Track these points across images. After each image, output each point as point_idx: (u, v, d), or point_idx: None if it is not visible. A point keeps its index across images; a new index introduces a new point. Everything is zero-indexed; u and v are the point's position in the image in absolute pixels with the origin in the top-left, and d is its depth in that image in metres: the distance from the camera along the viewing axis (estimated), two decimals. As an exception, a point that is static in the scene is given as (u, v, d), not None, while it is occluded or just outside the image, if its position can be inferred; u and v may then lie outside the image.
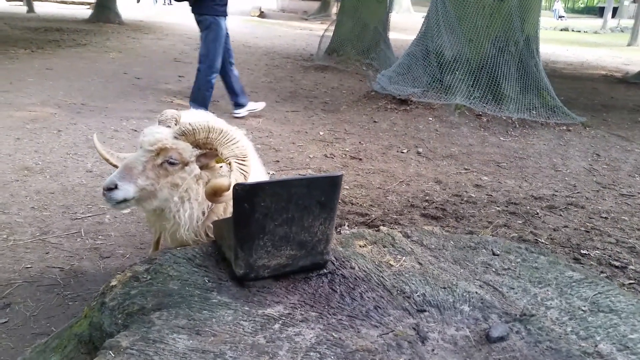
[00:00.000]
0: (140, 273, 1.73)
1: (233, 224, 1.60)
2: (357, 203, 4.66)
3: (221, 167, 2.08)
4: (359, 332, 1.47)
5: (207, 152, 2.02)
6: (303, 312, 1.55)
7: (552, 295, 1.82)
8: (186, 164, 1.98)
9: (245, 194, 1.55)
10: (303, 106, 8.42)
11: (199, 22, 6.76)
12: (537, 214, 4.76)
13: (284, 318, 1.51)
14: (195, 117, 2.53)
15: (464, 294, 1.72)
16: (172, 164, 1.93)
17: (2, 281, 3.02)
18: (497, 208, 4.85)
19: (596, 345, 1.55)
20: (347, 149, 6.35)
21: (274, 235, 1.64)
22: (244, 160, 1.96)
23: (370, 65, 12.07)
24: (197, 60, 7.10)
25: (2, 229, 3.66)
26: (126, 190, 1.87)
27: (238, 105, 7.19)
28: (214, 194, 1.83)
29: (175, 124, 2.03)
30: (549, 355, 1.45)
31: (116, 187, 1.86)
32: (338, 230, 4.00)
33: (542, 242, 4.17)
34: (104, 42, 13.44)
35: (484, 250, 2.11)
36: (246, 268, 1.64)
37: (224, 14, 6.72)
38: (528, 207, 4.89)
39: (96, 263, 3.32)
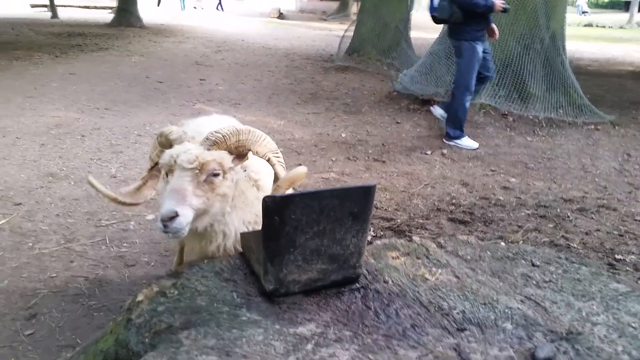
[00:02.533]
0: (167, 288, 1.67)
1: (262, 238, 1.54)
2: (382, 207, 4.56)
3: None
4: (396, 353, 1.39)
5: (238, 154, 1.96)
6: (336, 331, 1.47)
7: (598, 310, 1.71)
8: (226, 172, 1.91)
9: (275, 206, 1.48)
10: (324, 108, 8.35)
11: (455, 48, 6.54)
12: (568, 217, 4.61)
13: (316, 337, 1.44)
14: (201, 124, 2.47)
15: (506, 311, 1.62)
16: (215, 175, 1.85)
17: (28, 291, 3.02)
18: (527, 211, 4.71)
19: (651, 367, 1.44)
20: (369, 151, 6.26)
21: (305, 249, 1.57)
22: (278, 154, 1.96)
23: (391, 65, 11.94)
24: (453, 84, 6.84)
25: (28, 237, 3.67)
26: (186, 215, 1.76)
27: (448, 136, 6.73)
28: (290, 184, 1.83)
29: (185, 138, 1.94)
30: (602, 379, 1.35)
31: (177, 214, 1.72)
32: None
33: (575, 247, 4.03)
34: (126, 46, 13.57)
35: (522, 261, 2.01)
36: (276, 283, 1.58)
37: (481, 39, 6.46)
38: (558, 210, 4.75)
39: (121, 271, 3.30)
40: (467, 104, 6.65)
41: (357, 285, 1.69)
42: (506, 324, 1.57)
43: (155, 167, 2.00)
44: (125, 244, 3.67)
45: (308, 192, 1.53)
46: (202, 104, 8.01)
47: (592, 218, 4.62)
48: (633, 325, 1.64)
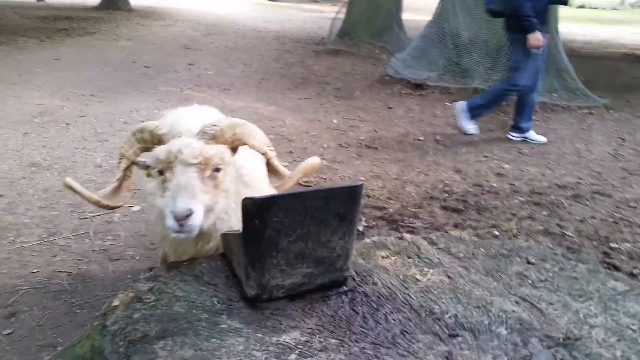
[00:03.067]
0: (143, 293, 1.58)
1: (243, 241, 1.45)
2: (374, 196, 4.48)
3: None
4: (385, 363, 1.32)
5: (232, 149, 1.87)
6: (322, 339, 1.39)
7: (596, 311, 1.64)
8: (225, 167, 1.81)
9: (255, 209, 1.39)
10: (315, 93, 8.21)
11: (515, 41, 6.22)
12: (562, 204, 4.56)
13: (300, 347, 1.36)
14: (181, 116, 2.34)
15: (500, 314, 1.55)
16: (218, 170, 1.75)
17: (8, 288, 2.92)
18: (521, 198, 4.65)
19: (651, 373, 1.38)
20: (361, 138, 6.16)
21: (288, 253, 1.48)
22: (272, 147, 1.91)
23: (383, 49, 11.77)
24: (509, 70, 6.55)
25: (9, 231, 3.56)
26: (200, 212, 1.65)
27: (518, 129, 6.42)
28: (304, 176, 1.81)
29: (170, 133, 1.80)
30: (601, 389, 1.28)
31: (192, 212, 1.60)
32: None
33: (569, 235, 3.98)
34: (113, 30, 13.28)
35: (517, 258, 1.94)
36: (258, 289, 1.49)
37: (541, 30, 6.15)
38: (552, 197, 4.69)
39: (105, 266, 3.21)
40: (508, 97, 6.44)
41: (345, 288, 1.60)
42: (500, 328, 1.49)
43: (130, 166, 1.87)
44: (109, 237, 3.57)
45: (291, 194, 1.44)
46: (190, 89, 7.85)
47: (587, 205, 4.57)
48: (632, 327, 1.57)
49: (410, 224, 3.98)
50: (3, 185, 4.27)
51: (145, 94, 7.41)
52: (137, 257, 3.32)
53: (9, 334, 2.58)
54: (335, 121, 6.76)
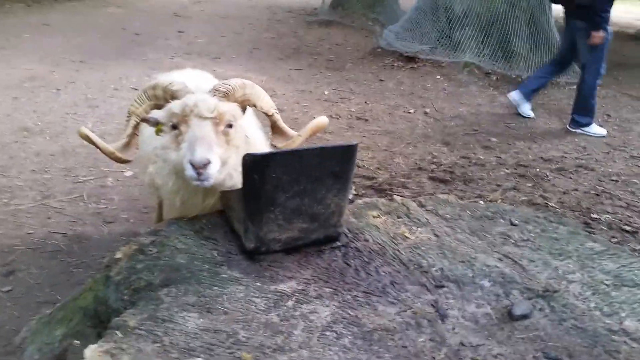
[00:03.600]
0: (145, 246, 1.66)
1: (242, 196, 1.52)
2: (364, 166, 4.56)
3: None
4: (376, 309, 1.41)
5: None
6: (317, 288, 1.48)
7: (574, 268, 1.75)
8: (234, 125, 1.85)
9: (255, 164, 1.46)
10: (307, 64, 8.20)
11: (579, 30, 5.86)
12: (547, 176, 4.67)
13: (297, 295, 1.45)
14: (188, 77, 2.37)
15: (484, 268, 1.65)
16: (231, 126, 1.79)
17: (5, 247, 2.97)
18: (506, 171, 4.76)
19: (621, 322, 1.49)
20: (352, 109, 6.20)
21: (285, 208, 1.56)
22: (277, 110, 1.97)
23: (376, 20, 11.70)
24: (581, 69, 6.38)
25: (2, 193, 3.59)
26: (217, 162, 1.68)
27: (577, 123, 6.09)
28: (312, 135, 1.88)
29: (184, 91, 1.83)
30: (574, 334, 1.39)
31: (209, 161, 1.64)
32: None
33: (552, 206, 4.10)
34: (102, -5, 13.03)
35: (501, 220, 2.03)
36: (257, 242, 1.57)
37: (607, 21, 5.78)
38: (537, 170, 4.80)
39: (100, 228, 3.27)
40: (597, 86, 6.15)
41: (338, 243, 1.69)
42: (484, 281, 1.59)
43: (139, 124, 1.91)
44: (103, 201, 3.62)
45: (288, 151, 1.51)
46: (180, 57, 7.80)
47: (570, 178, 4.69)
48: (606, 282, 1.68)
49: (398, 193, 4.06)
50: (-5, 149, 4.28)
51: (136, 61, 7.35)
52: (132, 220, 3.38)
53: (8, 291, 2.65)
54: (326, 92, 6.79)
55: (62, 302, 2.05)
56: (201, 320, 1.33)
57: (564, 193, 4.34)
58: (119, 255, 1.68)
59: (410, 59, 8.34)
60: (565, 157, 5.16)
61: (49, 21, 9.55)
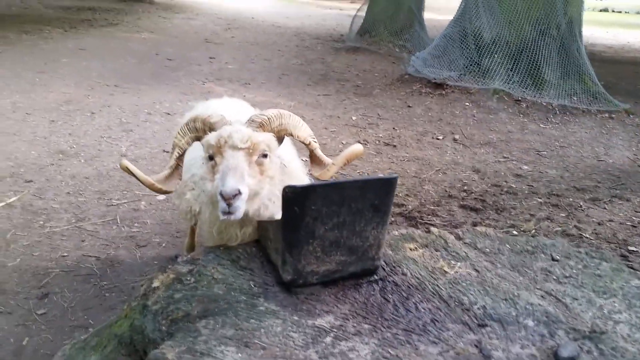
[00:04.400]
0: (183, 275, 1.65)
1: (282, 228, 1.51)
2: (394, 193, 4.53)
3: None
4: (417, 349, 1.37)
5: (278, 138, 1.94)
6: (355, 324, 1.45)
7: (620, 308, 1.68)
8: (272, 154, 1.89)
9: (295, 196, 1.45)
10: (335, 89, 8.26)
11: None
12: (581, 206, 4.56)
13: (335, 330, 1.42)
14: (225, 106, 2.42)
15: (527, 307, 1.60)
16: (265, 156, 1.82)
17: (40, 270, 3.02)
18: (539, 199, 4.67)
19: (674, 368, 1.42)
20: (380, 135, 6.20)
21: (324, 240, 1.54)
22: (315, 138, 1.98)
23: (403, 47, 11.78)
24: None
25: (39, 215, 3.67)
26: (246, 193, 1.70)
27: None
28: (347, 163, 1.88)
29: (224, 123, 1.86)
30: (626, 381, 1.33)
31: (239, 192, 1.66)
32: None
33: (587, 237, 3.99)
34: (136, 22, 13.44)
35: (542, 254, 1.98)
36: (294, 274, 1.55)
37: None
38: (571, 199, 4.70)
39: (132, 252, 3.30)
40: None
41: (376, 277, 1.66)
42: (528, 320, 1.54)
43: (182, 155, 1.95)
44: (136, 224, 3.66)
45: (329, 183, 1.50)
46: (211, 83, 7.94)
47: (605, 208, 4.57)
48: (656, 324, 1.61)
49: (428, 221, 4.02)
50: (32, 171, 4.38)
51: (169, 86, 7.52)
52: (164, 244, 3.41)
53: (43, 313, 2.67)
54: (354, 118, 6.81)
55: (97, 328, 2.06)
56: (239, 355, 1.31)
57: (599, 224, 4.23)
58: (156, 283, 1.68)
59: (439, 86, 8.34)
60: (599, 187, 5.04)
61: (85, 46, 9.87)
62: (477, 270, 1.77)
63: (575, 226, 4.17)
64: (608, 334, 1.50)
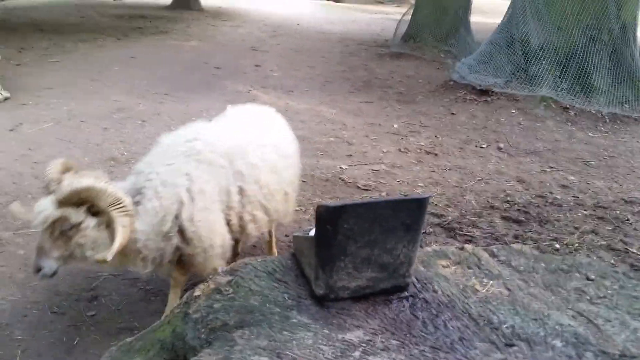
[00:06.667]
0: (223, 285, 1.75)
1: (315, 245, 1.58)
2: (432, 203, 4.53)
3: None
4: (443, 366, 1.41)
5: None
6: (384, 340, 1.50)
7: (656, 332, 1.66)
8: (80, 223, 2.17)
9: (328, 215, 1.52)
10: (377, 96, 8.29)
11: None
12: (628, 219, 4.43)
13: (364, 345, 1.48)
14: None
15: (556, 327, 1.60)
16: (68, 228, 2.15)
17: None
18: (585, 212, 4.56)
19: None
20: (422, 143, 6.19)
21: (355, 257, 1.60)
22: (120, 203, 2.19)
23: (449, 53, 11.65)
24: None
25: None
26: (49, 265, 2.19)
27: None
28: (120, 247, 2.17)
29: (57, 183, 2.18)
30: (655, 407, 1.32)
31: (40, 268, 2.18)
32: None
33: (634, 252, 3.89)
34: (185, 30, 13.85)
35: (577, 274, 1.97)
36: (326, 289, 1.62)
37: None
38: (618, 212, 4.57)
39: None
40: None
41: (406, 293, 1.71)
42: (556, 341, 1.55)
43: None
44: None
45: (362, 203, 1.56)
46: (257, 90, 8.12)
47: (654, 222, 4.42)
48: (692, 350, 1.58)
49: (468, 233, 4.00)
50: (86, 176, 4.62)
51: (216, 94, 7.74)
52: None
53: (92, 315, 2.84)
54: (395, 126, 6.82)
55: (142, 333, 2.18)
56: (272, 365, 1.39)
57: (647, 239, 4.10)
58: (197, 292, 1.78)
59: (484, 92, 8.22)
60: (649, 200, 4.88)
61: (136, 54, 10.27)
62: (509, 289, 1.79)
63: (621, 240, 4.07)
64: (639, 358, 1.49)
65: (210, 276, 1.87)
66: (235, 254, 3.29)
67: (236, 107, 3.19)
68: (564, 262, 2.04)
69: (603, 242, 4.03)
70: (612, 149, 6.31)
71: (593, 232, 4.20)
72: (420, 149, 6.00)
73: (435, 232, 4.00)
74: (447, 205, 4.54)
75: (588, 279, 1.95)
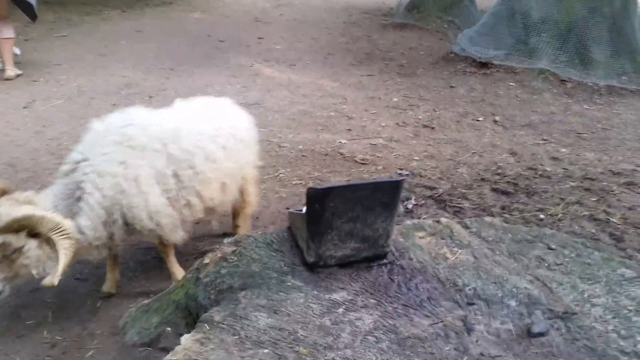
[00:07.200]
0: (228, 254, 2.04)
1: (306, 220, 1.85)
2: (426, 175, 4.77)
3: None
4: (412, 320, 1.70)
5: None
6: (364, 299, 1.79)
7: (600, 293, 1.93)
8: (21, 247, 2.29)
9: (316, 195, 1.79)
10: (378, 69, 8.44)
11: None
12: (613, 191, 4.64)
13: (347, 303, 1.76)
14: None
15: (513, 289, 1.88)
16: (10, 253, 2.27)
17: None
18: (572, 183, 4.78)
19: (635, 345, 1.67)
20: (420, 117, 6.38)
21: (340, 231, 1.88)
22: (59, 227, 2.30)
23: (452, 23, 11.68)
24: None
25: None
26: None
27: None
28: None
29: None
30: (584, 352, 1.61)
31: None
32: (404, 204, 4.18)
33: (614, 222, 4.11)
34: (189, 1, 13.87)
35: (540, 244, 2.23)
36: (316, 257, 1.90)
37: None
38: (605, 183, 4.78)
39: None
40: None
41: (385, 261, 1.99)
42: (511, 301, 1.83)
43: None
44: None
45: (344, 185, 1.82)
46: (259, 64, 8.29)
47: (639, 193, 4.64)
48: (629, 308, 1.86)
49: (458, 204, 4.26)
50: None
51: (219, 68, 7.93)
52: (213, 222, 3.81)
53: (112, 280, 3.15)
54: (395, 99, 7.01)
55: (158, 295, 2.49)
56: (269, 319, 1.68)
57: (629, 209, 4.32)
58: (207, 260, 2.07)
59: (484, 65, 8.35)
60: (637, 171, 5.07)
61: (142, 27, 10.40)
62: (475, 257, 2.07)
63: (604, 211, 4.29)
64: (578, 315, 1.77)
65: (218, 247, 2.15)
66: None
67: (188, 99, 3.26)
68: (529, 233, 2.30)
69: (586, 213, 4.25)
70: (606, 121, 6.48)
71: (578, 202, 4.42)
72: (418, 123, 6.20)
73: (427, 204, 4.26)
74: (439, 178, 4.78)
75: (549, 248, 2.22)
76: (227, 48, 9.21)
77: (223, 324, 1.64)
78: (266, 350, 1.53)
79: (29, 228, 2.28)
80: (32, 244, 2.31)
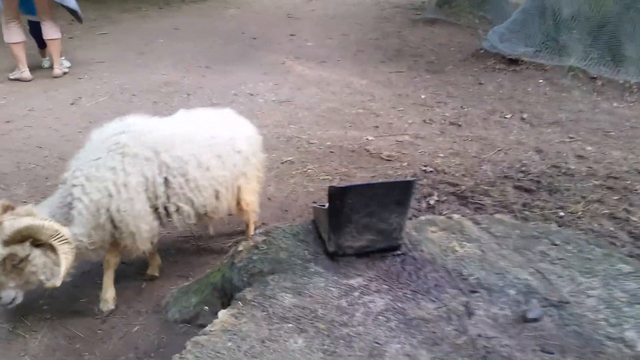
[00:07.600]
0: (259, 243, 2.30)
1: (327, 215, 2.10)
2: (450, 172, 4.94)
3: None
4: (419, 304, 1.92)
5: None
6: (377, 285, 2.02)
7: (596, 285, 2.11)
8: (27, 255, 2.48)
9: (337, 193, 2.03)
10: (407, 66, 8.57)
11: None
12: (637, 189, 4.71)
13: (362, 288, 2.00)
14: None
15: (514, 280, 2.08)
16: (18, 262, 2.47)
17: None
18: (595, 182, 4.86)
19: (622, 332, 1.86)
20: (447, 114, 6.52)
21: (358, 224, 2.11)
22: (58, 234, 2.47)
23: (483, 19, 11.67)
24: None
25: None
26: (7, 295, 2.54)
27: None
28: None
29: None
30: (572, 336, 1.80)
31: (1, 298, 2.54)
32: (426, 200, 4.37)
33: (634, 221, 4.21)
34: (224, -3, 14.22)
35: (545, 240, 2.42)
36: (336, 247, 2.15)
37: None
38: (628, 182, 4.84)
39: (223, 219, 3.99)
40: None
41: (398, 252, 2.21)
42: (511, 290, 2.03)
43: None
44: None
45: (363, 185, 2.06)
46: (291, 61, 8.54)
47: (663, 191, 4.70)
48: (622, 299, 2.04)
49: (479, 201, 4.42)
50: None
51: (253, 66, 8.22)
52: (209, 228, 4.05)
53: (156, 265, 3.47)
54: (423, 96, 7.15)
55: (197, 278, 2.79)
56: (294, 299, 1.93)
57: (651, 208, 4.41)
58: (240, 248, 2.34)
59: (513, 62, 8.38)
60: (663, 170, 5.12)
61: (179, 25, 10.79)
62: (482, 251, 2.27)
63: (625, 209, 4.38)
64: (571, 304, 1.96)
65: (250, 236, 2.42)
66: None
67: (191, 110, 3.39)
68: (536, 230, 2.49)
69: (607, 211, 4.35)
70: (635, 119, 6.47)
71: (599, 201, 4.51)
72: (444, 120, 6.34)
73: (449, 200, 4.44)
74: (463, 175, 4.94)
75: (553, 244, 2.40)
76: (260, 45, 9.49)
77: (254, 301, 1.90)
78: (290, 325, 1.78)
79: (31, 237, 2.46)
80: (36, 252, 2.51)
